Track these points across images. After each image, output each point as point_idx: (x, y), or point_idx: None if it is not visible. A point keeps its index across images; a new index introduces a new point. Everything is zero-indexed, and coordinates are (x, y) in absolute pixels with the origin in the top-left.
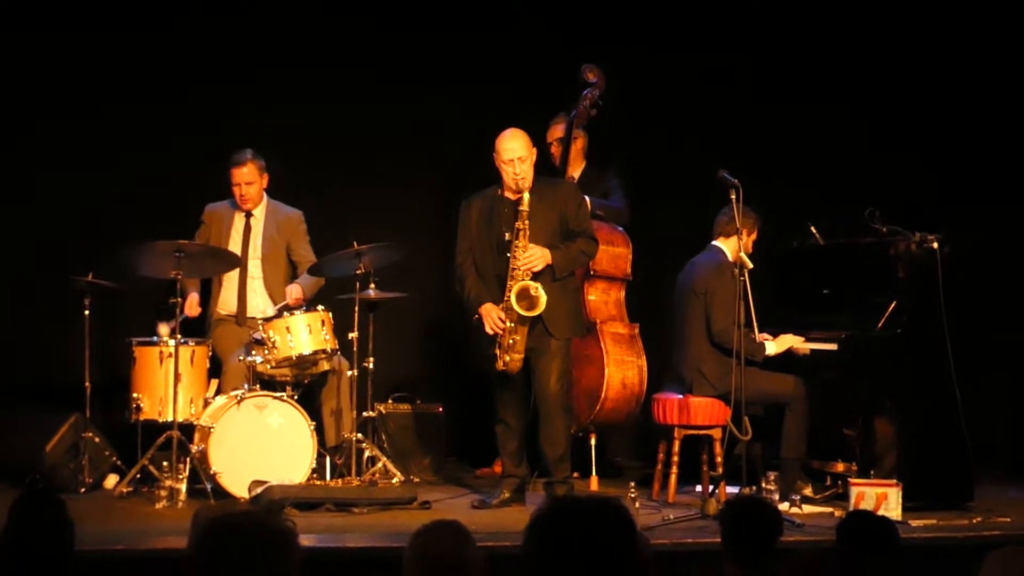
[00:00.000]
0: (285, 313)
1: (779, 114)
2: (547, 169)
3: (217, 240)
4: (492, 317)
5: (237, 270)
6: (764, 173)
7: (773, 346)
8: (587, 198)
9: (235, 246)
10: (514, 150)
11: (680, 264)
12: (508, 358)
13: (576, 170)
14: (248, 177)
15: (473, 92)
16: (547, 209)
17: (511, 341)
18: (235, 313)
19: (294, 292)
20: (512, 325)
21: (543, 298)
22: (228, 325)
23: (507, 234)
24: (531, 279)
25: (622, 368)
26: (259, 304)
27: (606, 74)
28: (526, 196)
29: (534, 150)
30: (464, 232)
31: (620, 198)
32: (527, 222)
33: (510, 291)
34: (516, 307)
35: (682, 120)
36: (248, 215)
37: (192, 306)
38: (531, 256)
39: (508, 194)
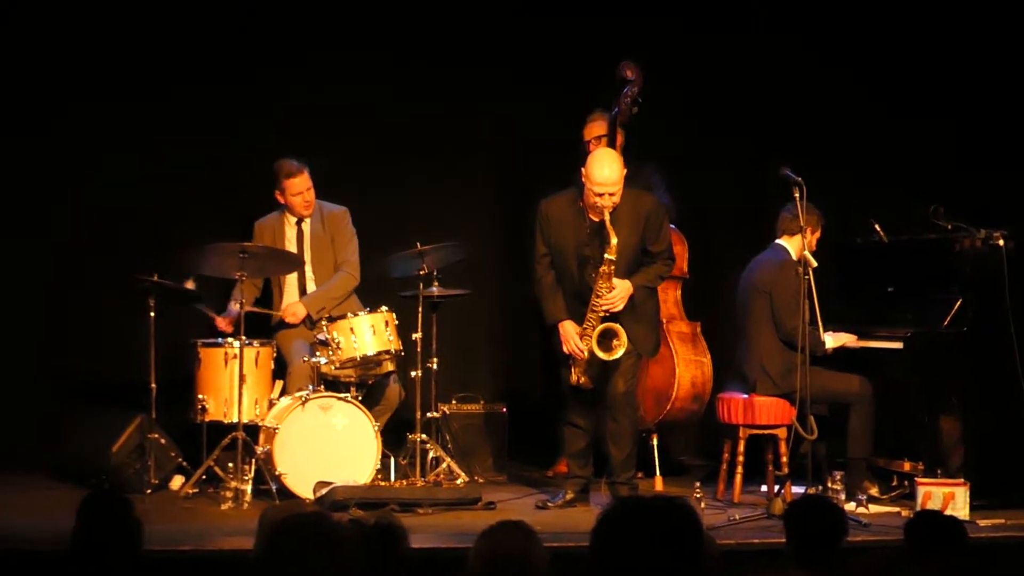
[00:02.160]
0: (348, 314)
1: (840, 108)
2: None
3: None
4: (571, 343)
5: (295, 277)
6: (827, 169)
7: (831, 339)
8: None
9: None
10: (609, 184)
11: (734, 261)
12: (583, 379)
13: None
14: (308, 183)
15: (531, 85)
16: (629, 231)
17: (586, 366)
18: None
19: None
20: (590, 355)
21: (624, 345)
22: (291, 327)
23: (588, 254)
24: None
25: (691, 368)
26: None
27: (647, 68)
28: (614, 241)
29: (624, 171)
30: (542, 237)
31: (663, 193)
32: (612, 267)
33: (592, 329)
34: (597, 350)
35: (733, 115)
36: (299, 221)
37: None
38: (614, 297)
39: (592, 215)
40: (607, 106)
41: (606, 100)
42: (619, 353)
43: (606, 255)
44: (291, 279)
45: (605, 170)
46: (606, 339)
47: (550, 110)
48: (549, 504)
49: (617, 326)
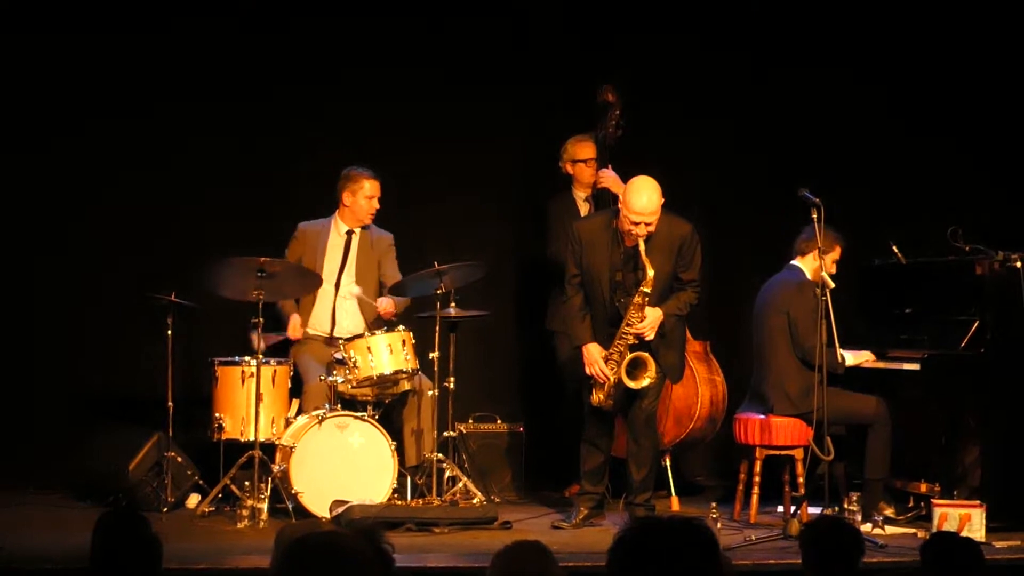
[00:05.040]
0: (366, 333)
1: (858, 128)
2: (565, 185)
3: (311, 257)
4: (595, 367)
5: (332, 288)
6: (846, 189)
7: (852, 357)
8: None
9: (332, 264)
10: (646, 214)
11: (742, 282)
12: (607, 403)
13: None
14: (379, 190)
15: (551, 106)
16: (663, 258)
17: (611, 390)
18: (329, 333)
19: (384, 304)
20: (615, 379)
21: (653, 377)
22: (314, 344)
23: (620, 280)
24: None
25: (710, 387)
26: (349, 324)
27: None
28: (651, 273)
29: (662, 200)
30: (573, 258)
31: None
32: (647, 299)
33: (620, 356)
34: (625, 379)
35: (745, 134)
36: (349, 233)
37: (295, 328)
38: (645, 327)
39: (627, 241)
40: (583, 129)
41: (583, 123)
42: (646, 382)
43: (642, 288)
44: (324, 290)
45: (643, 199)
46: (635, 368)
47: (569, 131)
48: (564, 524)
49: (647, 356)
